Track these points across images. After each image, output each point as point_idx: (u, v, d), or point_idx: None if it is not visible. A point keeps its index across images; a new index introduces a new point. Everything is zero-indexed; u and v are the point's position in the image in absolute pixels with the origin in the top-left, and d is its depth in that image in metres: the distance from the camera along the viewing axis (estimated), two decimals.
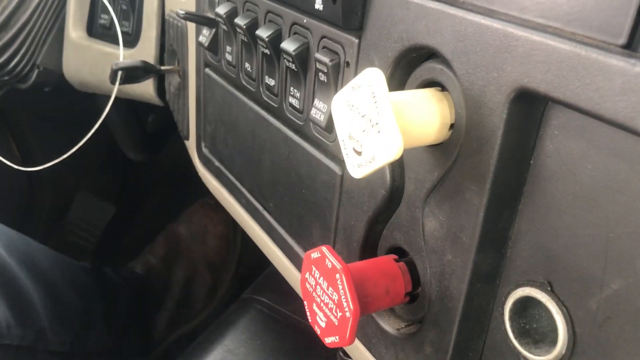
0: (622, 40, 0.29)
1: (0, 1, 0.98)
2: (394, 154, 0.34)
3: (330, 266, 0.40)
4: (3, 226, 1.03)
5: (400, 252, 0.46)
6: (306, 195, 0.55)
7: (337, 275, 0.40)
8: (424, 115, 0.37)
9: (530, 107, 0.33)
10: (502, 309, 0.38)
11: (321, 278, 0.42)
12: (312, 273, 0.43)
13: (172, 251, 1.36)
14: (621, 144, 0.30)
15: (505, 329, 0.37)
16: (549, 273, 0.34)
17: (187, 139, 0.87)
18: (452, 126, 0.38)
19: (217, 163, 0.76)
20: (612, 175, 0.30)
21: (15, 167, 0.98)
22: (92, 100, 1.22)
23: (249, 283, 1.01)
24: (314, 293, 0.43)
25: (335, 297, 0.40)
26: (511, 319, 0.37)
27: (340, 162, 0.50)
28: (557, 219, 0.33)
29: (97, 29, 1.06)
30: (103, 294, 1.17)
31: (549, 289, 0.34)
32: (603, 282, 0.31)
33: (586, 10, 0.30)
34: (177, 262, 1.35)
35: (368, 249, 0.49)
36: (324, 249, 0.42)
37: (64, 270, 1.09)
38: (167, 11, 0.87)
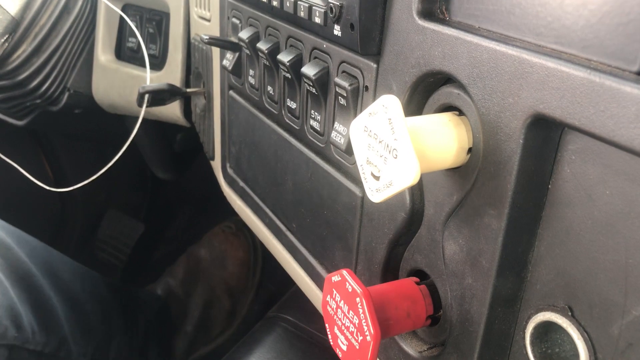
0: (637, 66, 0.29)
1: (34, 27, 1.01)
2: (411, 179, 0.34)
3: (350, 290, 0.41)
4: (26, 235, 1.04)
5: (421, 275, 0.46)
6: (328, 217, 0.56)
7: (358, 299, 0.40)
8: (442, 139, 0.38)
9: (547, 133, 0.34)
10: (523, 333, 0.38)
11: (342, 301, 0.42)
12: (333, 296, 0.43)
13: (192, 274, 1.37)
14: (638, 169, 0.29)
15: (526, 353, 0.37)
16: (569, 298, 0.34)
17: (213, 159, 0.88)
18: (470, 150, 0.38)
19: (241, 183, 0.77)
20: (630, 200, 0.30)
21: (48, 188, 1.00)
22: (121, 121, 1.25)
23: (268, 307, 1.01)
24: (335, 316, 0.43)
25: (356, 321, 0.40)
26: (532, 343, 0.37)
27: (360, 184, 0.51)
28: (576, 244, 0.33)
29: (125, 53, 1.09)
30: (124, 309, 1.18)
31: (570, 314, 0.34)
32: (624, 308, 0.31)
33: (601, 36, 0.30)
34: (197, 285, 1.36)
35: (390, 271, 0.49)
36: (344, 272, 0.42)
37: (85, 282, 1.10)
38: (192, 35, 0.89)
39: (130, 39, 1.07)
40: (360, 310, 0.40)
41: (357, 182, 0.51)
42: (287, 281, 0.72)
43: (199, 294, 1.35)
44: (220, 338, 1.32)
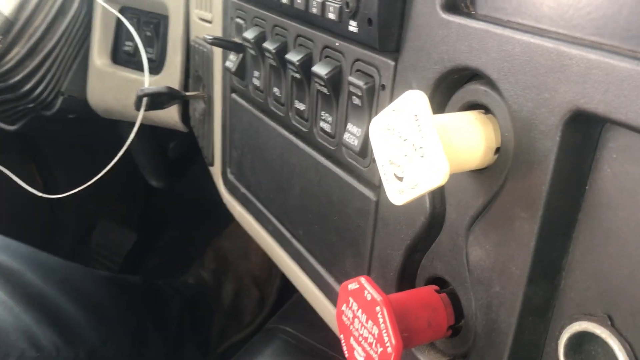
0: None
1: (28, 29, 0.99)
2: (440, 179, 0.32)
3: (369, 298, 0.38)
4: (41, 255, 1.04)
5: (440, 282, 0.44)
6: (338, 223, 0.54)
7: (378, 308, 0.38)
8: (469, 139, 0.36)
9: (586, 129, 0.32)
10: (556, 344, 0.35)
11: (359, 310, 0.40)
12: (350, 305, 0.41)
13: (221, 265, 1.40)
14: None
15: None
16: (608, 306, 0.32)
17: (212, 165, 0.86)
18: (497, 150, 0.36)
19: (243, 189, 0.75)
20: None
21: (39, 194, 0.97)
22: (114, 126, 1.22)
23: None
24: (351, 326, 0.41)
25: (376, 331, 0.38)
26: (566, 355, 0.35)
27: (374, 187, 0.49)
28: (617, 248, 0.31)
29: (121, 56, 1.06)
30: (155, 306, 1.20)
31: (609, 323, 0.32)
32: None
33: None
34: (227, 275, 1.39)
35: (406, 279, 0.46)
36: (362, 279, 0.40)
37: (110, 288, 1.11)
38: (192, 37, 0.87)
39: (126, 42, 1.05)
40: (381, 320, 0.37)
41: (371, 185, 0.49)
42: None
43: (228, 284, 1.37)
44: (252, 326, 1.35)
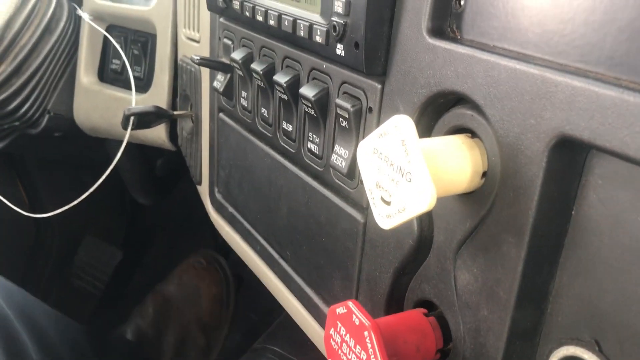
0: None
1: (14, 47, 0.98)
2: (427, 204, 0.32)
3: (357, 323, 0.38)
4: (2, 278, 1.01)
5: (428, 305, 0.43)
6: (326, 244, 0.53)
7: (366, 333, 0.37)
8: (456, 163, 0.36)
9: (571, 155, 0.32)
10: None
11: (347, 335, 0.39)
12: (338, 329, 0.40)
13: (162, 313, 1.32)
14: None
15: None
16: (596, 331, 0.32)
17: (200, 184, 0.85)
18: (484, 174, 0.37)
19: (230, 209, 0.74)
20: None
21: (25, 214, 0.96)
22: (101, 145, 1.21)
23: (249, 338, 0.98)
24: (339, 351, 0.40)
25: (364, 356, 0.38)
26: None
27: (362, 209, 0.48)
28: (604, 273, 0.31)
29: (108, 74, 1.06)
30: (96, 354, 1.14)
31: (597, 348, 0.32)
32: None
33: (631, 54, 0.29)
34: (168, 324, 1.31)
35: (394, 302, 0.46)
36: (350, 304, 0.39)
37: (60, 328, 1.07)
38: (179, 56, 0.86)
39: (114, 61, 1.04)
40: (369, 345, 0.37)
41: (359, 207, 0.49)
42: (272, 309, 0.69)
43: (171, 333, 1.30)
44: None
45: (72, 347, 1.06)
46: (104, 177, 0.89)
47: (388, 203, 0.35)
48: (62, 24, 1.02)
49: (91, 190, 0.92)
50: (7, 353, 0.88)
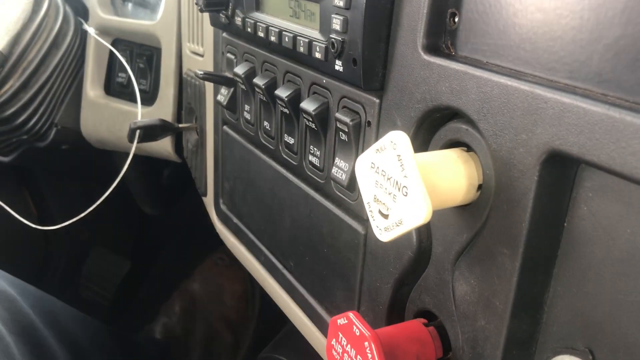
0: None
1: (22, 62, 1.00)
2: (423, 218, 0.33)
3: (358, 333, 0.39)
4: (30, 286, 1.03)
5: (428, 316, 0.44)
6: (328, 255, 0.54)
7: (366, 343, 0.38)
8: (451, 176, 0.37)
9: (562, 169, 0.33)
10: None
11: (348, 346, 0.40)
12: (339, 340, 0.41)
13: (188, 311, 1.33)
14: None
15: None
16: (590, 341, 0.33)
17: (205, 195, 0.86)
18: (480, 187, 0.37)
19: (235, 220, 0.75)
20: None
21: (33, 226, 0.98)
22: (108, 156, 1.23)
23: (271, 338, 0.99)
24: None
25: None
26: None
27: (363, 221, 0.49)
28: (596, 284, 0.32)
29: (114, 88, 1.08)
30: (126, 357, 1.15)
31: (591, 357, 0.33)
32: None
33: (617, 71, 0.30)
34: (195, 322, 1.32)
35: (395, 312, 0.47)
36: (351, 315, 0.40)
37: (89, 331, 1.08)
38: (184, 70, 0.88)
39: (120, 74, 1.06)
40: (369, 355, 0.38)
41: (360, 219, 0.50)
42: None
43: (198, 331, 1.31)
44: None
45: (101, 349, 1.08)
46: (111, 189, 0.90)
47: (386, 216, 0.36)
48: (68, 39, 1.04)
49: (99, 202, 0.93)
50: (34, 358, 0.90)
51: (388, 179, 0.36)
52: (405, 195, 0.34)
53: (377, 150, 0.36)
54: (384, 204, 0.36)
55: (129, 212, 1.61)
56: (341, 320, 0.41)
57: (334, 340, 0.42)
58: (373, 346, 0.38)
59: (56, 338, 0.97)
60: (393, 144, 0.35)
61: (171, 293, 1.38)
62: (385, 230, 0.37)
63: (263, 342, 1.26)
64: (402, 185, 0.34)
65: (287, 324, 0.97)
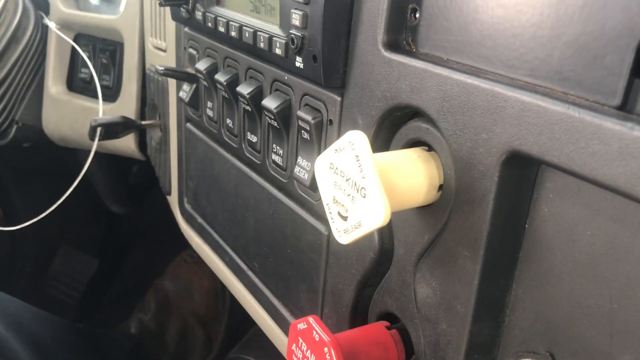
0: (617, 101, 0.27)
1: None
2: (381, 220, 0.32)
3: (318, 339, 0.38)
4: None
5: (391, 318, 0.43)
6: (292, 256, 0.53)
7: (326, 349, 0.37)
8: (411, 176, 0.36)
9: (523, 170, 0.32)
10: None
11: (309, 351, 0.39)
12: (299, 345, 0.40)
13: (162, 307, 1.34)
14: (621, 209, 0.28)
15: None
16: (550, 344, 0.32)
17: (169, 194, 0.85)
18: (441, 187, 0.37)
19: (199, 219, 0.74)
20: (613, 242, 0.28)
21: None
22: (73, 153, 1.20)
23: (244, 333, 0.98)
24: None
25: None
26: None
27: (326, 221, 0.48)
28: (557, 287, 0.32)
29: (77, 84, 1.05)
30: (95, 354, 1.14)
31: None
32: (610, 356, 0.29)
33: (578, 69, 0.29)
34: (169, 318, 1.33)
35: (358, 314, 0.46)
36: (310, 319, 0.39)
37: (56, 332, 1.05)
38: (147, 65, 0.86)
39: (82, 70, 1.03)
40: None
41: (323, 219, 0.49)
42: None
43: (172, 326, 1.32)
44: None
45: (69, 349, 1.05)
46: (72, 188, 0.88)
47: (345, 218, 0.35)
48: (28, 33, 1.01)
49: (61, 200, 0.91)
50: None
51: (347, 180, 0.34)
52: (364, 197, 0.33)
53: (336, 150, 0.35)
54: (343, 205, 0.35)
55: (96, 211, 1.58)
56: (301, 325, 0.40)
57: (294, 345, 0.41)
58: (333, 352, 0.37)
59: (18, 339, 0.94)
60: (351, 144, 0.34)
61: (144, 290, 1.38)
62: (344, 233, 0.35)
63: (236, 337, 1.26)
64: (360, 187, 0.33)
65: (253, 326, 0.96)
